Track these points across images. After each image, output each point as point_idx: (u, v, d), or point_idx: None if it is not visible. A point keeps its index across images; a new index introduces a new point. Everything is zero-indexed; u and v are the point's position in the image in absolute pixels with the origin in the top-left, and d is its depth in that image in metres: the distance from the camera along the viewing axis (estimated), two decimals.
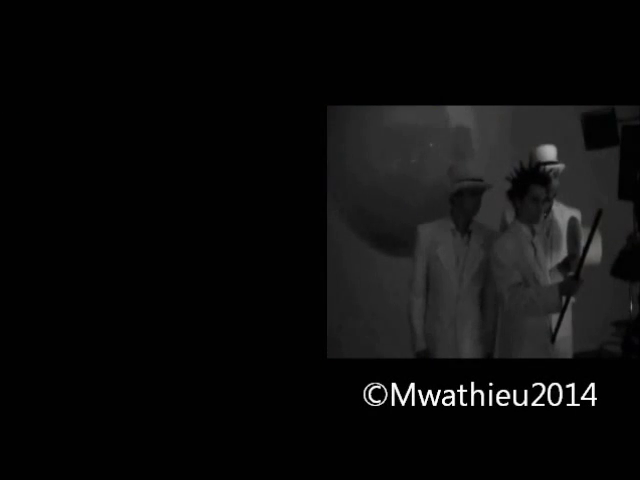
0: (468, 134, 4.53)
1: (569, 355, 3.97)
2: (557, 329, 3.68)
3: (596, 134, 4.58)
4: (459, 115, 4.48)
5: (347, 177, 4.55)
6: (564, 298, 3.62)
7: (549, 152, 4.15)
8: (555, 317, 3.70)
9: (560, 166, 4.11)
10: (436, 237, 3.91)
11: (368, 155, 4.44)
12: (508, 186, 3.80)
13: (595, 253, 3.85)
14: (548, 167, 3.97)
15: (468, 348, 3.87)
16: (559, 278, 3.68)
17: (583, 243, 3.56)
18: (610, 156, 4.52)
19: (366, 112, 4.37)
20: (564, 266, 3.72)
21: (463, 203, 3.87)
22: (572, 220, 3.78)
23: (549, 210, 4.02)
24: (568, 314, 3.82)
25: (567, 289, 3.58)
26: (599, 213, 3.49)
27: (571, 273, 3.63)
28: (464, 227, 3.90)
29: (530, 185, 3.70)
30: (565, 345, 3.90)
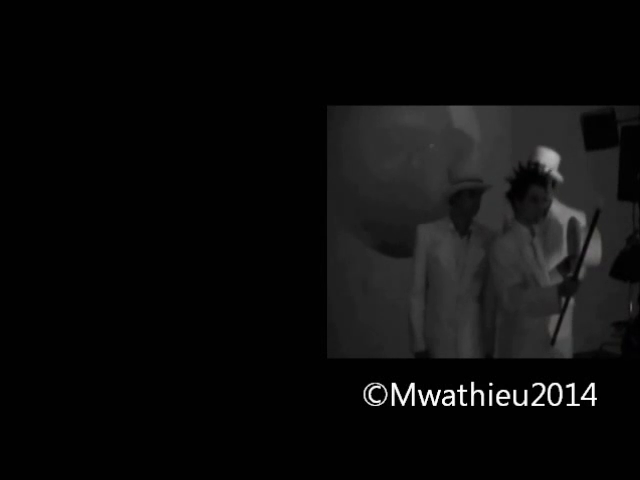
0: (468, 134, 4.52)
1: (569, 355, 3.96)
2: (557, 331, 3.68)
3: (596, 134, 4.57)
4: (459, 115, 4.47)
5: (348, 190, 4.50)
6: (563, 299, 3.61)
7: (552, 160, 4.10)
8: (555, 318, 3.69)
9: (558, 176, 4.08)
10: (436, 237, 3.91)
11: (367, 160, 4.40)
12: (508, 187, 3.79)
13: (595, 253, 3.84)
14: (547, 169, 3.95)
15: (468, 349, 3.87)
16: (559, 279, 3.68)
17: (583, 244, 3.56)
18: (610, 156, 4.52)
19: (363, 113, 4.35)
20: (564, 267, 3.72)
21: (462, 204, 3.87)
22: (572, 221, 3.77)
23: (546, 210, 4.01)
24: (569, 314, 3.81)
25: (566, 290, 3.57)
26: (597, 213, 3.48)
27: (570, 274, 3.63)
28: (464, 227, 3.90)
29: (530, 185, 3.69)
30: (565, 345, 3.90)
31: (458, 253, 3.88)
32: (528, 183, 3.69)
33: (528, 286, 3.67)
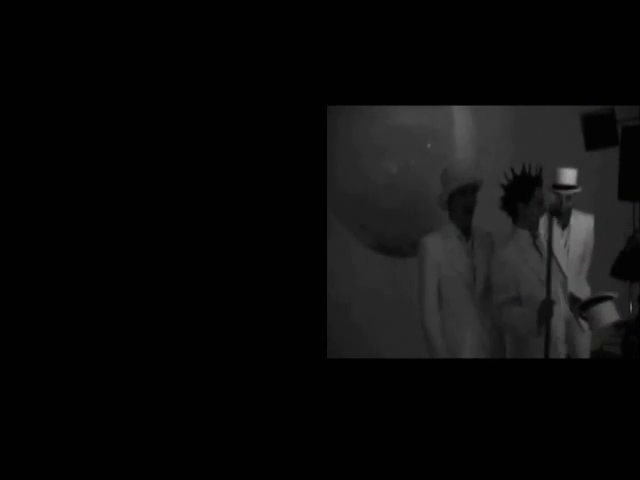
0: (468, 134, 4.52)
1: (586, 355, 4.00)
2: (547, 350, 3.63)
3: (596, 134, 4.58)
4: (459, 115, 4.46)
5: (345, 190, 4.47)
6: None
7: (569, 176, 4.12)
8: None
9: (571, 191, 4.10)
10: (445, 246, 3.80)
11: (364, 160, 4.39)
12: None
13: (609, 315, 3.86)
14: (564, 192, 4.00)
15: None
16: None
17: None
18: (610, 156, 4.53)
19: (360, 113, 4.33)
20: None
21: (456, 207, 3.81)
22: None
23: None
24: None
25: (543, 314, 3.59)
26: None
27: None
28: (467, 232, 3.83)
29: (535, 188, 3.70)
30: (586, 341, 3.96)
31: (468, 258, 3.83)
32: (533, 187, 3.70)
33: (521, 301, 3.67)
